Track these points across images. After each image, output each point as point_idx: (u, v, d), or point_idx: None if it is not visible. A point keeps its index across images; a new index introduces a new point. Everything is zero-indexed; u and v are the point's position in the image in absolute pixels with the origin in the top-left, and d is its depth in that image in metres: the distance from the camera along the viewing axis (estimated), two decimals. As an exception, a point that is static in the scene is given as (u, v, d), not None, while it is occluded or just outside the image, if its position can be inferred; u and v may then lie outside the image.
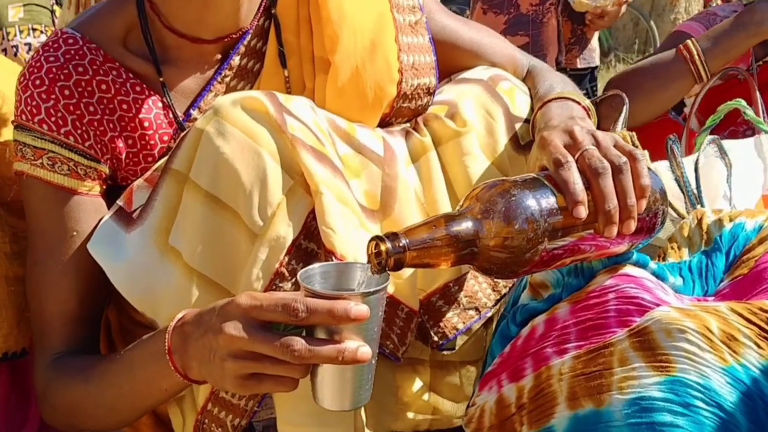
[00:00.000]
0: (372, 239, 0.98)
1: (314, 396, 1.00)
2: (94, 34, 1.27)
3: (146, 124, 1.27)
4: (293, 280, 1.13)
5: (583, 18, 3.18)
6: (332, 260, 1.12)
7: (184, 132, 1.21)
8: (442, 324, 1.28)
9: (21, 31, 2.65)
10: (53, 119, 1.23)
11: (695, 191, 1.41)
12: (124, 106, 1.26)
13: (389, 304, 1.21)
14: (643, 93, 1.88)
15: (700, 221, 1.27)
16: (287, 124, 1.16)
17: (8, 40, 2.64)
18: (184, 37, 1.29)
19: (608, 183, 1.07)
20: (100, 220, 1.23)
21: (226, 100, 1.18)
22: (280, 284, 1.14)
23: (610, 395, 1.02)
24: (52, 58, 1.24)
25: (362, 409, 1.19)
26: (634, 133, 1.37)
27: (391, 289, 1.22)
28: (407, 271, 1.24)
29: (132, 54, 1.28)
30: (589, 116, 1.32)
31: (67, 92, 1.23)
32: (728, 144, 1.57)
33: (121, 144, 1.26)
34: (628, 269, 1.14)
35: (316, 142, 1.18)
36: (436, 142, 1.33)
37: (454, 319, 1.28)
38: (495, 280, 1.33)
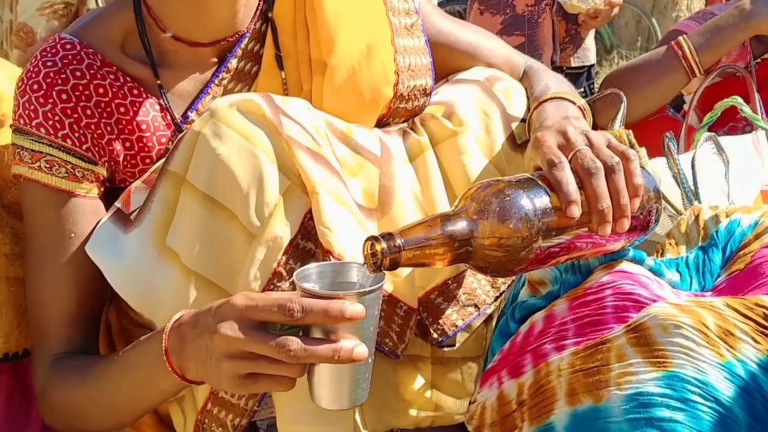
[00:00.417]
0: (367, 239, 0.98)
1: (311, 395, 1.01)
2: (92, 39, 1.28)
3: (144, 126, 1.28)
4: (291, 279, 1.14)
5: (576, 17, 3.20)
6: (330, 259, 1.13)
7: (181, 134, 1.21)
8: (441, 321, 1.28)
9: None
10: (51, 123, 1.23)
11: (692, 188, 1.41)
12: (122, 110, 1.27)
13: (388, 302, 1.22)
14: (637, 89, 1.89)
15: (697, 217, 1.27)
16: (283, 126, 1.17)
17: None
18: (182, 40, 1.29)
19: (601, 183, 1.08)
20: (98, 222, 1.23)
21: (223, 103, 1.18)
22: (278, 284, 1.14)
23: (609, 391, 1.02)
24: (50, 63, 1.25)
25: (363, 406, 1.19)
26: (630, 131, 1.38)
27: (389, 288, 1.22)
28: (406, 270, 1.24)
29: (130, 58, 1.29)
30: (584, 116, 1.33)
31: (64, 96, 1.24)
32: (726, 140, 1.57)
33: (118, 146, 1.27)
34: (625, 266, 1.14)
35: (312, 143, 1.19)
36: (433, 142, 1.34)
37: (453, 316, 1.29)
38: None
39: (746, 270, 1.14)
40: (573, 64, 3.34)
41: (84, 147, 1.25)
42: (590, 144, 1.12)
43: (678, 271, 1.20)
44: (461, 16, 5.56)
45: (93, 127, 1.25)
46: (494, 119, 1.36)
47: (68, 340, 1.25)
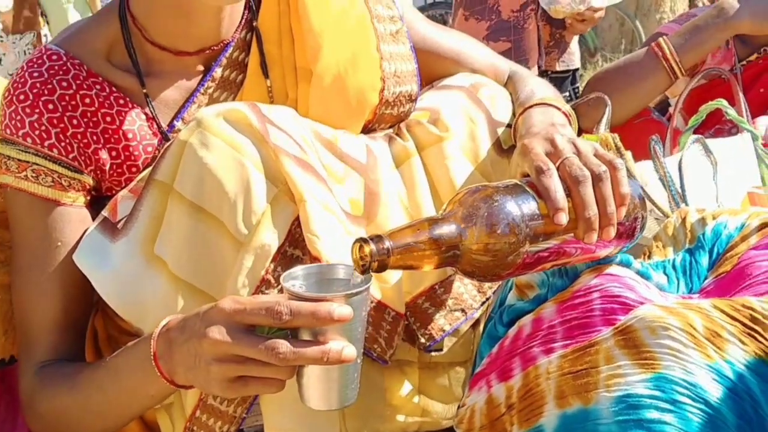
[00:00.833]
0: (356, 241, 0.99)
1: (301, 396, 1.01)
2: (77, 50, 1.28)
3: (130, 135, 1.28)
4: (279, 287, 1.14)
5: (562, 22, 3.21)
6: None
7: (168, 143, 1.21)
8: (429, 326, 1.28)
9: None
10: (37, 132, 1.23)
11: (679, 190, 1.42)
12: (108, 119, 1.27)
13: (376, 308, 1.22)
14: (619, 91, 1.89)
15: (684, 220, 1.28)
16: (270, 135, 1.17)
17: None
18: (167, 50, 1.30)
19: (588, 191, 1.08)
20: (85, 231, 1.23)
21: (209, 112, 1.18)
22: (266, 291, 1.14)
23: (597, 393, 1.02)
24: (36, 74, 1.25)
25: (349, 412, 1.19)
26: (617, 135, 1.38)
27: (377, 294, 1.23)
28: (393, 276, 1.24)
29: (115, 68, 1.29)
30: (569, 121, 1.34)
31: (51, 106, 1.24)
32: (713, 143, 1.58)
33: (104, 155, 1.27)
34: (612, 269, 1.15)
35: (299, 151, 1.19)
36: (419, 147, 1.34)
37: (440, 321, 1.29)
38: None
39: (733, 272, 1.14)
40: (558, 68, 3.34)
41: (70, 156, 1.25)
42: (578, 152, 1.13)
43: (665, 274, 1.20)
44: (443, 21, 5.57)
45: (79, 136, 1.25)
46: (479, 125, 1.36)
47: (55, 347, 1.25)
